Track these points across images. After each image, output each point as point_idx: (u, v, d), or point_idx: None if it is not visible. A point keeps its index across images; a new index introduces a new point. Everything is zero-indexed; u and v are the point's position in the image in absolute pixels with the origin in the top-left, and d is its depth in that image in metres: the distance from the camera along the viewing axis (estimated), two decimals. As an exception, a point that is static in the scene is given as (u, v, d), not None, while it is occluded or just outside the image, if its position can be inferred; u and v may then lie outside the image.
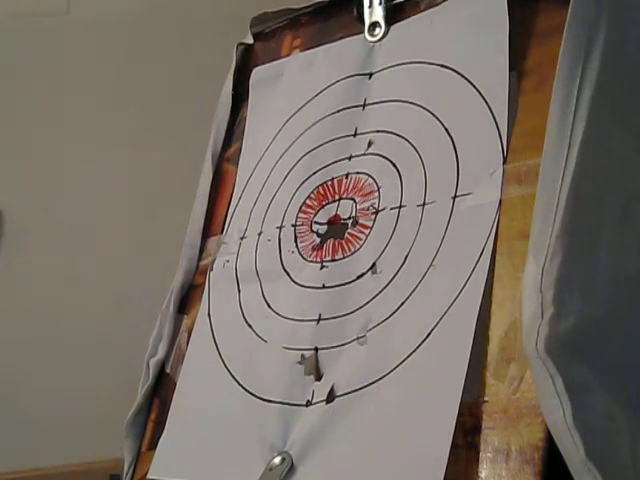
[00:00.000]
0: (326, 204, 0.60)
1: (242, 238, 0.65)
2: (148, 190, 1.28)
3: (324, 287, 0.56)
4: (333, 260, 0.57)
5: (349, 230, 0.57)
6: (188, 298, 0.67)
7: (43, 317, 1.24)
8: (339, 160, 0.61)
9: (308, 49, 0.68)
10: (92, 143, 1.28)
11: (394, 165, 0.56)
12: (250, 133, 0.70)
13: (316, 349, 0.54)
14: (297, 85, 0.67)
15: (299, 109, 0.66)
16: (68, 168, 1.29)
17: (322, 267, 0.57)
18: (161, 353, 0.65)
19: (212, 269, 0.66)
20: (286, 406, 0.53)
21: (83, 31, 1.30)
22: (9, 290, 1.25)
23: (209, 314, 0.64)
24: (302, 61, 0.68)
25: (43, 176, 1.28)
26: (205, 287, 0.65)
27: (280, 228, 0.62)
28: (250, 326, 0.59)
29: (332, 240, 0.58)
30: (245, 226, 0.65)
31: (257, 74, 0.71)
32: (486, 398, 0.45)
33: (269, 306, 0.59)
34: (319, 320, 0.55)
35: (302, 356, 0.54)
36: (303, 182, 0.62)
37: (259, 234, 0.63)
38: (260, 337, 0.58)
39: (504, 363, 0.45)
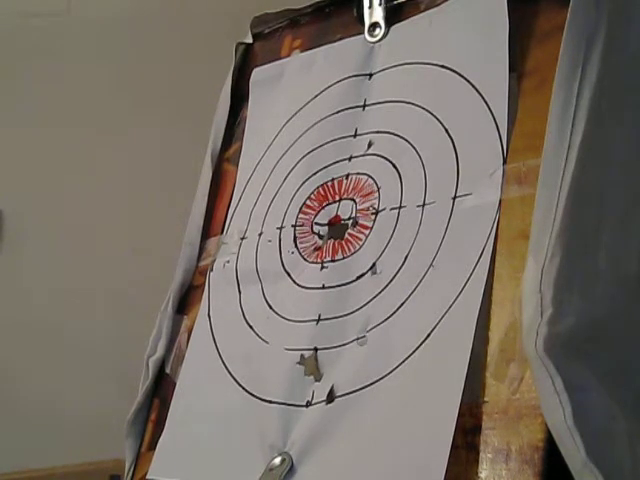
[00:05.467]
0: (326, 205, 0.60)
1: (242, 238, 0.65)
2: (148, 190, 1.28)
3: (324, 287, 0.56)
4: (333, 261, 0.57)
5: (349, 230, 0.57)
6: (188, 299, 0.67)
7: (43, 317, 1.24)
8: (339, 161, 0.60)
9: (308, 49, 0.68)
10: (92, 143, 1.28)
11: (394, 166, 0.56)
12: (250, 133, 0.70)
13: (315, 349, 0.54)
14: (297, 86, 0.67)
15: (299, 109, 0.66)
16: (68, 168, 1.29)
17: (322, 268, 0.57)
18: (160, 351, 0.65)
19: (212, 269, 0.66)
20: (286, 407, 0.53)
21: (83, 31, 1.30)
22: (9, 290, 1.26)
23: (209, 315, 0.64)
24: (302, 62, 0.68)
25: (43, 176, 1.28)
26: (205, 288, 0.65)
27: (280, 229, 0.62)
28: (251, 327, 0.59)
29: (332, 241, 0.58)
30: (245, 226, 0.65)
31: (257, 74, 0.71)
32: (486, 398, 0.45)
33: (270, 307, 0.59)
34: (318, 320, 0.55)
35: (301, 356, 0.54)
36: (303, 182, 0.62)
37: (259, 234, 0.63)
38: (261, 338, 0.58)
39: (504, 364, 0.45)
